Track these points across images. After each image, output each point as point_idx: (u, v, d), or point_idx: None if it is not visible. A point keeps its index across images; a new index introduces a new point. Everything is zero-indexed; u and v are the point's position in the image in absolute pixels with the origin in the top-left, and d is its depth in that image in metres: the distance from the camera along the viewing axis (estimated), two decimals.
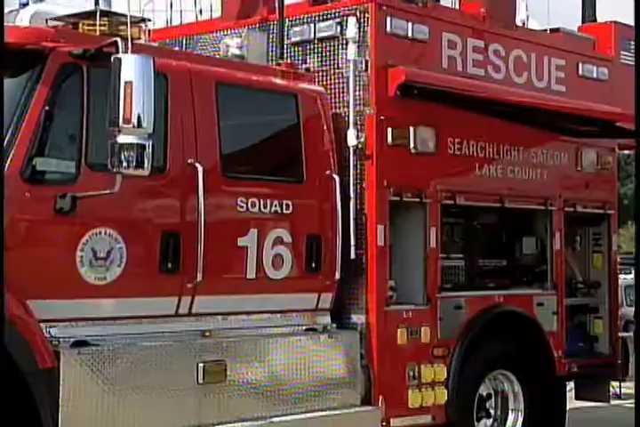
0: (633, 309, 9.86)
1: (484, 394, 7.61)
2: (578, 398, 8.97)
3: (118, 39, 5.28)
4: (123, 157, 5.06)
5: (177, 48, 7.15)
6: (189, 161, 5.86)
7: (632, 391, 11.48)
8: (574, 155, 8.35)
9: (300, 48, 7.05)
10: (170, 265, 5.71)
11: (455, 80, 7.19)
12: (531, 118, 7.60)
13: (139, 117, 5.05)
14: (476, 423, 7.45)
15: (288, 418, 6.16)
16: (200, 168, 5.84)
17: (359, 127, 6.73)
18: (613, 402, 10.84)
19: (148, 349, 5.57)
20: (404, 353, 6.83)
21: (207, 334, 5.94)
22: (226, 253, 6.08)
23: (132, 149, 5.06)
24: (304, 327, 6.55)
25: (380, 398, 6.64)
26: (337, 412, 6.44)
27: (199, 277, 5.80)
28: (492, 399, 7.71)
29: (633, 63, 8.87)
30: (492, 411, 7.71)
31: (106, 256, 5.47)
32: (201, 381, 5.73)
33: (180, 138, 5.85)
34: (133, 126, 5.05)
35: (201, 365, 5.75)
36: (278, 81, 6.66)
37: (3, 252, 4.66)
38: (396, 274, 6.95)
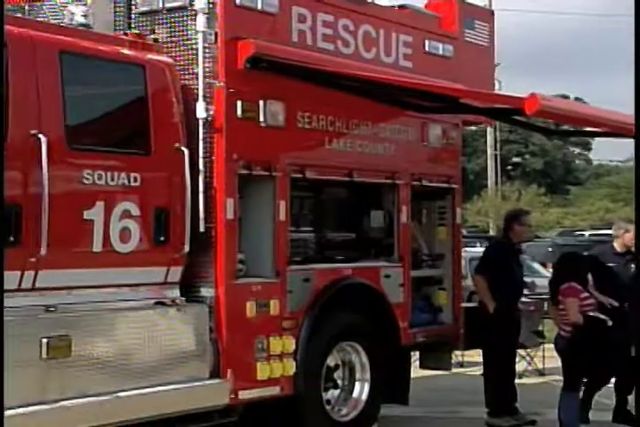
0: None
1: (332, 365, 7.73)
2: (422, 367, 9.23)
3: None
4: None
5: (18, 15, 6.92)
6: (32, 132, 5.71)
7: (474, 360, 11.91)
8: (420, 130, 8.52)
9: (147, 18, 6.93)
10: (11, 238, 5.56)
11: (304, 54, 7.21)
12: (378, 93, 7.70)
13: None
14: (323, 394, 7.55)
15: (135, 392, 6.12)
16: (44, 139, 5.70)
17: (208, 100, 6.68)
18: (456, 370, 11.23)
19: None
20: (253, 326, 6.86)
21: (51, 308, 5.83)
22: (71, 226, 5.96)
23: None
24: (152, 301, 6.50)
25: (229, 371, 6.67)
26: (185, 385, 6.42)
27: (43, 251, 5.68)
28: (340, 370, 7.84)
29: (476, 41, 9.14)
30: (339, 381, 7.83)
31: None
32: (45, 356, 5.63)
33: (22, 108, 5.68)
34: None
35: (44, 340, 5.64)
36: (125, 51, 6.54)
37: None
38: (245, 247, 6.96)
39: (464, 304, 9.20)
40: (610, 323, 8.12)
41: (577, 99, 57.56)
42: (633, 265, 8.95)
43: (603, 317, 8.19)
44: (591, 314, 8.16)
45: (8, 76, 5.61)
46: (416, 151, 8.51)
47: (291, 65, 7.00)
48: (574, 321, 8.09)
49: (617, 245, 9.16)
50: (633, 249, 9.21)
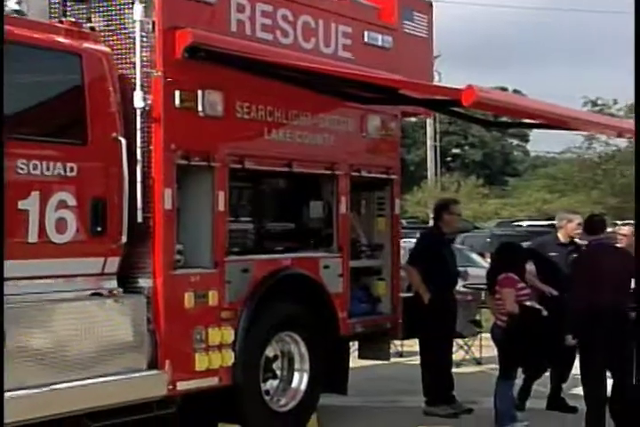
0: None
1: (271, 355, 7.74)
2: (361, 357, 9.26)
3: None
4: None
5: None
6: None
7: (413, 349, 12.01)
8: (359, 121, 8.54)
9: (83, 6, 6.84)
10: None
11: (243, 44, 7.18)
12: (318, 84, 7.70)
13: None
14: (262, 384, 7.56)
15: (72, 384, 6.07)
16: None
17: (146, 89, 6.63)
18: (395, 360, 11.29)
19: None
20: (191, 317, 6.84)
21: None
22: (5, 216, 5.87)
23: None
24: (89, 292, 6.44)
25: (167, 362, 6.63)
26: (122, 377, 6.38)
27: None
28: (279, 360, 7.85)
29: (415, 33, 9.19)
30: (278, 372, 7.85)
31: None
32: None
33: None
34: None
35: None
36: (61, 39, 6.45)
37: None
38: (183, 238, 6.93)
39: (402, 294, 9.25)
40: (545, 313, 8.24)
41: (515, 91, 58.12)
42: (575, 255, 9.08)
43: (538, 306, 8.31)
44: (527, 304, 8.27)
45: None
46: (355, 142, 8.53)
47: (229, 55, 6.97)
48: (510, 311, 8.19)
49: (560, 236, 9.26)
50: (576, 240, 9.32)
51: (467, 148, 68.35)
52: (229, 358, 7.04)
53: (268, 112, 7.59)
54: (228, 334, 7.06)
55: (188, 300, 6.79)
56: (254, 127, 7.48)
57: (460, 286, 10.54)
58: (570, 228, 9.15)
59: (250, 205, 8.06)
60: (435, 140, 47.50)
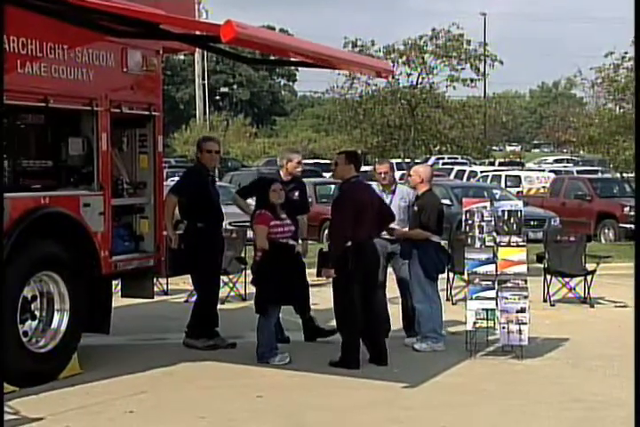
0: None
1: (29, 296, 7.55)
2: (124, 295, 9.17)
3: None
4: None
5: None
6: None
7: (179, 287, 12.06)
8: (120, 56, 8.33)
9: None
10: None
11: None
12: (74, 16, 7.42)
13: None
14: (20, 326, 7.36)
15: None
16: None
17: None
18: (161, 298, 11.33)
19: None
20: None
21: None
22: None
23: None
24: None
25: None
26: None
27: None
28: (38, 301, 7.67)
29: None
30: (37, 313, 7.66)
31: None
32: None
33: None
34: None
35: None
36: None
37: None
38: None
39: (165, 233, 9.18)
40: (299, 249, 8.43)
41: (282, 30, 58.54)
42: (297, 193, 9.31)
43: (292, 242, 8.51)
44: (282, 241, 8.42)
45: None
46: (116, 78, 8.33)
47: None
48: (260, 246, 8.33)
49: (283, 174, 9.47)
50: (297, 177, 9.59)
51: (235, 87, 68.37)
52: None
53: (22, 44, 7.28)
54: None
55: None
56: (7, 60, 7.12)
57: (225, 224, 10.60)
58: (290, 166, 9.43)
59: (6, 141, 7.71)
60: (203, 79, 47.21)
